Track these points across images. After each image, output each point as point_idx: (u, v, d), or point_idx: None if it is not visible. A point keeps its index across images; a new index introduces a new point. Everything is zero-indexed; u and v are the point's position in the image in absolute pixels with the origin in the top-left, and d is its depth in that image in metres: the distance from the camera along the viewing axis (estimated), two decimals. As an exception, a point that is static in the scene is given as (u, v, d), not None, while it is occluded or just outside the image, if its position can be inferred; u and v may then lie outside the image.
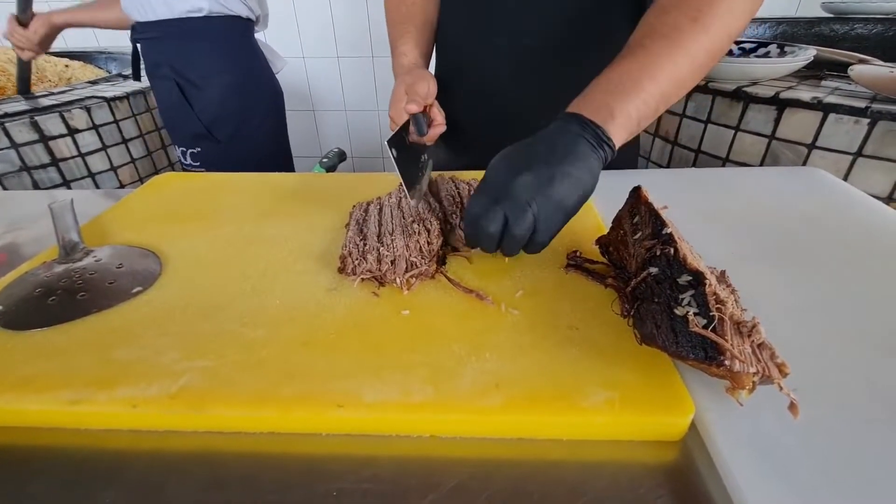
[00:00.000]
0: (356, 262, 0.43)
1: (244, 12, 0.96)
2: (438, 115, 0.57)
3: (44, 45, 1.07)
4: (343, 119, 2.38)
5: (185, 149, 1.02)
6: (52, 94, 1.17)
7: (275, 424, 0.31)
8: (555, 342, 0.35)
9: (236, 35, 0.97)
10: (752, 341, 0.28)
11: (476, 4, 0.62)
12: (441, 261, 0.44)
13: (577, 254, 0.43)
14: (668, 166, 0.95)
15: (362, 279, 0.41)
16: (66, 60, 1.61)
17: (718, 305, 0.29)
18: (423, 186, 0.53)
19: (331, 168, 0.76)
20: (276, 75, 1.14)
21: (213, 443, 0.31)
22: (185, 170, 1.06)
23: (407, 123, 0.54)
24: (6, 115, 1.02)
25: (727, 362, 0.27)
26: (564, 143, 0.38)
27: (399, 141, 0.50)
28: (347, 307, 0.39)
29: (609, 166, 0.41)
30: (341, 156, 0.89)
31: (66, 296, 0.40)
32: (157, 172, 1.35)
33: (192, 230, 0.52)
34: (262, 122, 1.06)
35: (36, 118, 1.05)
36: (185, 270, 0.45)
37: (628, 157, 0.72)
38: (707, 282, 0.30)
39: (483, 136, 0.69)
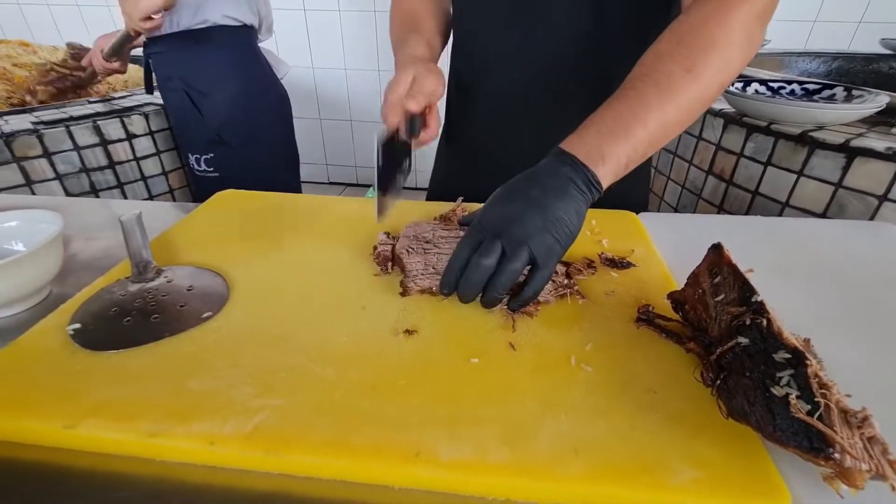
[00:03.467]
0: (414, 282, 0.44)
1: (247, 20, 1.01)
2: (434, 123, 0.55)
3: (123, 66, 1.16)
4: (348, 130, 2.45)
5: (198, 156, 1.07)
6: (114, 98, 1.22)
7: (348, 473, 0.30)
8: (633, 406, 0.34)
9: (240, 43, 1.03)
10: (863, 434, 0.26)
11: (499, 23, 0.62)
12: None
13: (650, 308, 0.42)
14: (720, 205, 0.92)
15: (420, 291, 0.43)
16: (124, 64, 1.68)
17: (822, 390, 0.27)
18: (391, 202, 0.49)
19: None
20: (282, 80, 1.19)
21: (287, 485, 0.31)
22: (196, 177, 1.10)
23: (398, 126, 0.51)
24: (72, 118, 1.06)
25: (837, 456, 0.25)
26: (556, 186, 0.40)
27: (388, 148, 0.47)
28: (414, 350, 0.39)
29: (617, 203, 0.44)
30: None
31: (141, 317, 0.41)
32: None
33: (254, 252, 0.53)
34: (269, 125, 1.12)
35: (98, 122, 1.09)
36: (250, 296, 0.45)
37: (640, 197, 0.71)
38: (808, 362, 0.28)
39: (494, 153, 0.69)
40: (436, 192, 0.78)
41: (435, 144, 0.71)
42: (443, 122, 0.74)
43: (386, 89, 0.53)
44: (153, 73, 1.08)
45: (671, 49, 0.44)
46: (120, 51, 1.08)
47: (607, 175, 0.41)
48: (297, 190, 1.29)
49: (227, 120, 1.03)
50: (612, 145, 0.41)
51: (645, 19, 0.57)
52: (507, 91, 0.64)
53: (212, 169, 1.07)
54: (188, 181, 1.31)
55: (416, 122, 0.49)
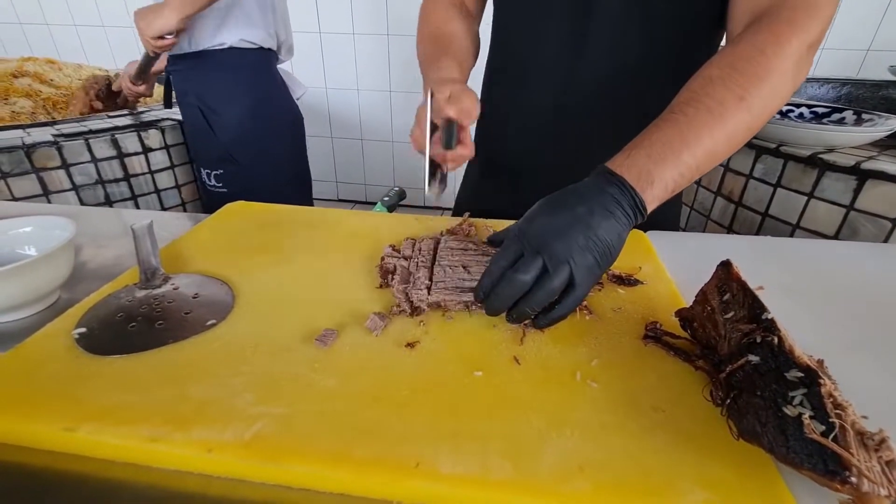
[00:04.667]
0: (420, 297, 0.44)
1: (264, 44, 1.03)
2: (469, 141, 0.53)
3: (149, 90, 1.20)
4: (359, 148, 2.49)
5: (209, 171, 1.09)
6: (132, 113, 1.26)
7: (348, 486, 0.30)
8: (640, 425, 0.33)
9: (255, 65, 1.05)
10: (881, 457, 0.25)
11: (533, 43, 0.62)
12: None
13: (658, 325, 0.41)
14: (730, 227, 0.91)
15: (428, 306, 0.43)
16: (144, 82, 1.73)
17: (837, 411, 0.26)
18: (439, 187, 0.47)
19: (392, 207, 0.78)
20: (298, 101, 1.20)
21: (282, 497, 0.30)
22: (207, 191, 1.12)
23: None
24: (91, 131, 1.09)
25: (853, 479, 0.24)
26: (603, 206, 0.39)
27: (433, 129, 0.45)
28: (417, 362, 0.38)
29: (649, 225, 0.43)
30: (401, 195, 0.90)
31: (145, 324, 0.41)
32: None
33: (261, 263, 0.53)
34: (281, 146, 1.13)
35: (116, 136, 1.12)
36: (255, 305, 0.45)
37: (670, 216, 0.70)
38: (822, 382, 0.28)
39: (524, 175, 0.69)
40: (463, 209, 0.77)
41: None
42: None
43: (419, 108, 0.53)
44: (173, 89, 1.11)
45: (724, 75, 0.43)
46: (145, 72, 1.11)
47: (654, 200, 0.40)
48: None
49: (237, 138, 1.05)
50: (661, 170, 0.40)
51: (691, 50, 0.57)
52: (546, 112, 0.64)
53: (220, 185, 1.09)
54: (200, 194, 1.33)
55: (452, 131, 0.47)
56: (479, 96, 0.54)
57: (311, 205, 1.32)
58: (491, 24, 0.68)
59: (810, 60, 0.45)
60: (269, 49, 1.07)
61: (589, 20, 0.56)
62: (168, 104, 1.20)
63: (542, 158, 0.67)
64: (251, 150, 1.07)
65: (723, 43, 0.58)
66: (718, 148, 0.42)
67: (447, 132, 0.49)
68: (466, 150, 0.52)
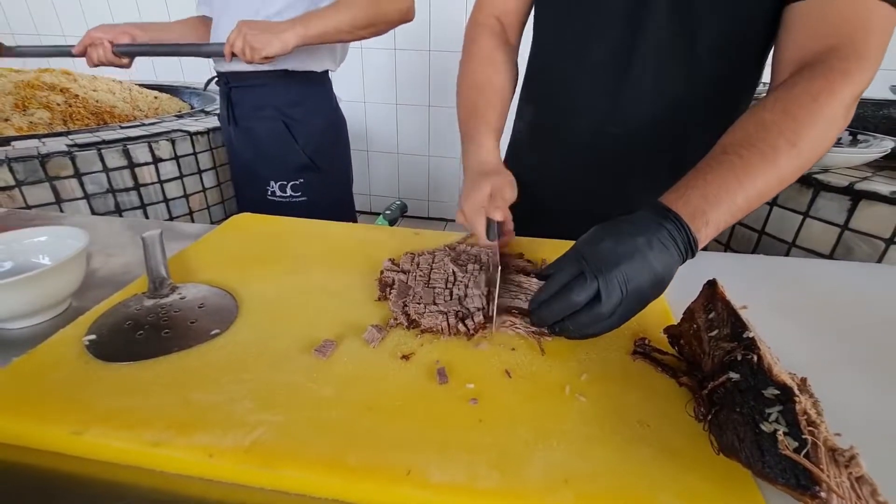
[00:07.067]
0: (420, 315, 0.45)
1: (333, 67, 1.11)
2: (510, 226, 0.57)
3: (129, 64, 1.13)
4: (365, 160, 2.52)
5: (284, 182, 1.08)
6: (144, 124, 1.29)
7: (341, 492, 0.31)
8: (625, 438, 0.34)
9: (325, 81, 1.12)
10: (851, 473, 0.26)
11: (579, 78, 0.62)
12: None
13: (646, 342, 0.42)
14: (727, 244, 0.92)
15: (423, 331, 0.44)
16: (155, 92, 1.78)
17: (810, 428, 0.28)
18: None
19: (393, 221, 0.79)
20: None
21: (279, 501, 0.31)
22: (274, 205, 1.11)
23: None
24: (104, 141, 1.13)
25: (823, 494, 0.25)
26: (660, 241, 0.39)
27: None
28: (412, 375, 0.40)
29: None
30: (403, 209, 0.92)
31: (153, 332, 0.43)
32: (223, 202, 1.44)
33: (265, 274, 0.55)
34: (343, 152, 1.22)
35: (128, 146, 1.15)
36: (258, 316, 0.47)
37: None
38: (797, 399, 0.29)
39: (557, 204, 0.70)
40: None
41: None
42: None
43: (461, 199, 0.55)
44: (234, 105, 1.09)
45: (777, 120, 0.44)
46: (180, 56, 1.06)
47: (705, 239, 0.41)
48: (354, 211, 1.34)
49: (318, 147, 1.09)
50: (716, 210, 0.41)
51: (732, 87, 0.58)
52: (585, 140, 0.64)
53: (299, 194, 1.10)
54: (238, 210, 1.27)
55: (497, 228, 0.52)
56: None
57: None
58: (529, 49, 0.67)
59: (854, 107, 0.46)
60: (333, 71, 1.13)
61: (633, 52, 0.57)
62: (231, 121, 1.14)
63: (576, 185, 0.67)
64: (328, 157, 1.13)
65: (762, 84, 0.59)
66: (770, 191, 0.44)
67: (490, 227, 0.52)
68: (509, 236, 0.56)
